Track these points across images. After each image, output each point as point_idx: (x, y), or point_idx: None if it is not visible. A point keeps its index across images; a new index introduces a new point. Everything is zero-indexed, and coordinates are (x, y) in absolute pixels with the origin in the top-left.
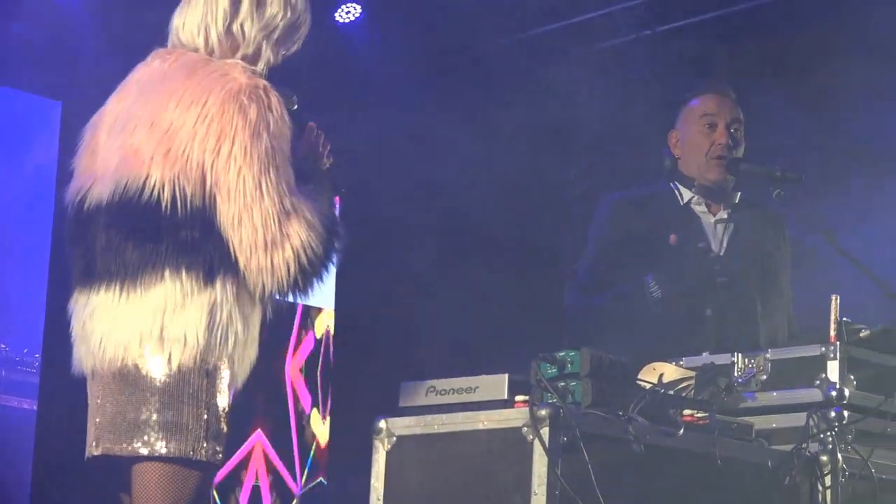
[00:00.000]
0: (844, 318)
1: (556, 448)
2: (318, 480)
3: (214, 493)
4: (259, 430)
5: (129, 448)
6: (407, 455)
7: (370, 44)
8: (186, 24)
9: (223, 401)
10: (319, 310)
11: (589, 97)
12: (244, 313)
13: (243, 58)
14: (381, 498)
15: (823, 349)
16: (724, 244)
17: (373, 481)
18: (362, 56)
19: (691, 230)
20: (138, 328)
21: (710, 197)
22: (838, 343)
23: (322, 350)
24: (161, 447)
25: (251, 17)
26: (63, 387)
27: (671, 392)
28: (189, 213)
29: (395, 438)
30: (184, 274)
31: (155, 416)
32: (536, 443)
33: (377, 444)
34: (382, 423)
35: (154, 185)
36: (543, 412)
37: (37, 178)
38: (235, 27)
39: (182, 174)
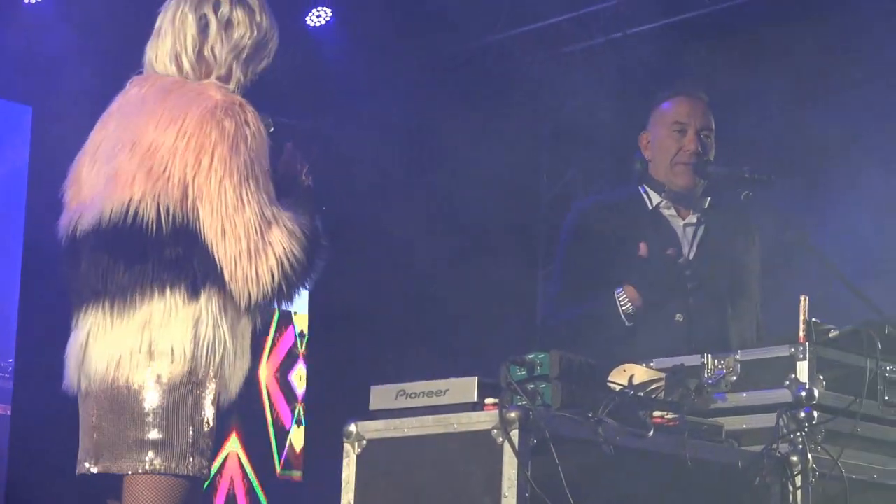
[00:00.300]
0: (814, 319)
1: (526, 450)
2: (293, 480)
3: None
4: (234, 433)
5: (128, 466)
6: (377, 458)
7: (341, 47)
8: (159, 56)
9: (209, 415)
10: (293, 313)
11: (559, 100)
12: (231, 326)
13: (217, 79)
14: (353, 501)
15: (793, 350)
16: (694, 248)
17: (343, 485)
18: (333, 59)
19: (660, 235)
20: (127, 346)
21: (679, 202)
22: (807, 344)
23: (296, 353)
24: (153, 463)
25: (220, 40)
26: (37, 392)
27: (641, 394)
28: (172, 229)
29: (365, 442)
30: (168, 290)
31: (150, 435)
32: (506, 445)
33: (347, 447)
34: (353, 427)
35: (138, 206)
36: (513, 415)
37: (8, 182)
38: (206, 52)
39: (164, 192)
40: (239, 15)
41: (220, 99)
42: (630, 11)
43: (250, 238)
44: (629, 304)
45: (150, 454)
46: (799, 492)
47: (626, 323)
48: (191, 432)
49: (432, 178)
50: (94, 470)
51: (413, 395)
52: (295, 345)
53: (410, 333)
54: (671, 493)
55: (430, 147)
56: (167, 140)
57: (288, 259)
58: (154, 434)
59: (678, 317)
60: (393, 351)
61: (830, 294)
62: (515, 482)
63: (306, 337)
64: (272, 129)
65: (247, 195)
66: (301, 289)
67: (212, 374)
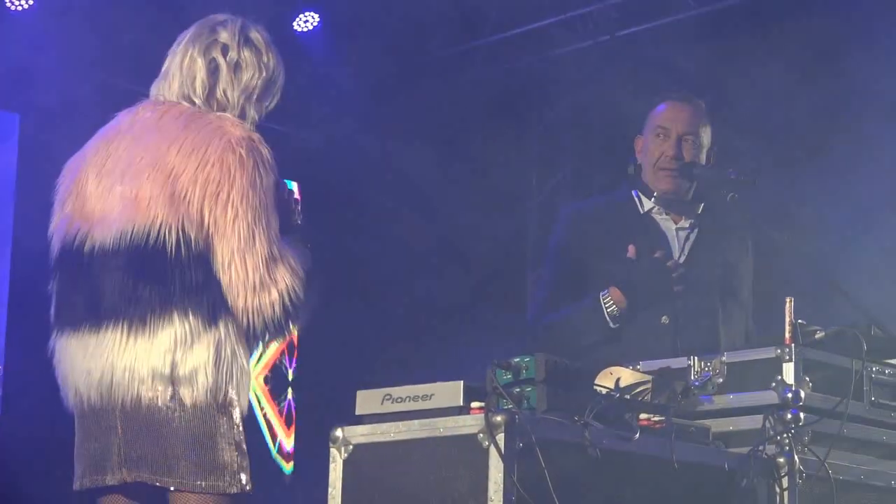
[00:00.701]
0: (800, 320)
1: (512, 454)
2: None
3: None
4: None
5: (169, 481)
6: (364, 463)
7: (328, 52)
8: (165, 97)
9: (241, 433)
10: None
11: (547, 103)
12: (245, 350)
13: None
14: None
15: (779, 351)
16: (686, 252)
17: (330, 490)
18: (320, 64)
19: (650, 238)
20: (149, 366)
21: (670, 206)
22: (794, 345)
23: (285, 359)
24: (197, 484)
25: (231, 83)
26: (25, 398)
27: (627, 396)
28: (193, 255)
29: (351, 447)
30: (190, 315)
31: (187, 454)
32: (492, 449)
33: (334, 452)
34: (339, 432)
35: (160, 229)
36: (499, 418)
37: None
38: (219, 94)
39: (185, 218)
40: (247, 56)
41: (240, 135)
42: (618, 14)
43: (258, 271)
44: (614, 306)
45: (189, 473)
46: (786, 493)
47: (611, 325)
48: (236, 452)
49: (420, 181)
50: (129, 479)
51: (399, 400)
52: (284, 349)
53: (398, 337)
54: (658, 496)
55: (418, 150)
56: (189, 168)
57: (289, 295)
58: (193, 455)
59: (664, 319)
60: (380, 355)
61: (817, 295)
62: (502, 486)
63: (295, 342)
64: None
65: (258, 232)
66: (297, 323)
67: (233, 394)
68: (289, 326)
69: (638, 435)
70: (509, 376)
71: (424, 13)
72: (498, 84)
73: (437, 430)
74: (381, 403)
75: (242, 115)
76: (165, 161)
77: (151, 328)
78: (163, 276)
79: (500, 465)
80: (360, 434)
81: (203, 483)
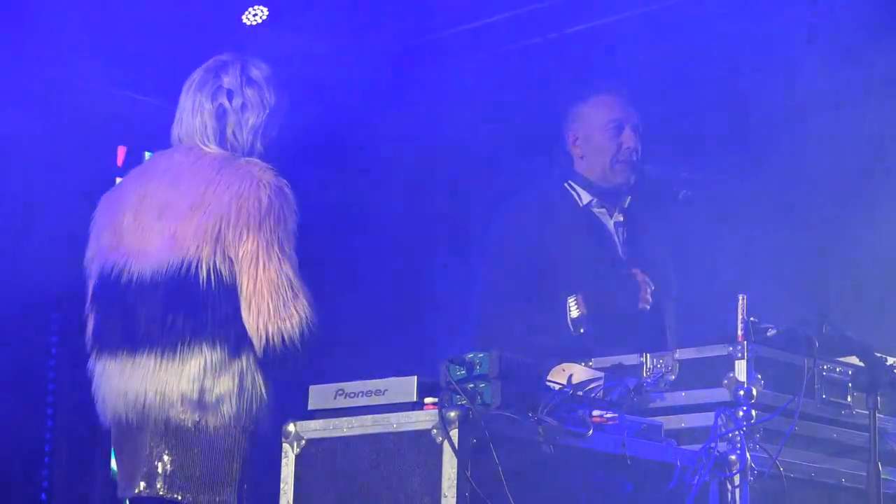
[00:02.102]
0: (752, 318)
1: (466, 450)
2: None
3: None
4: None
5: (207, 499)
6: (316, 458)
7: (277, 46)
8: (184, 139)
9: (250, 454)
10: None
11: (495, 99)
12: (262, 379)
13: (242, 154)
14: (291, 501)
15: (731, 349)
16: (622, 247)
17: (282, 485)
18: (269, 58)
19: (594, 235)
20: (179, 391)
21: (607, 200)
22: (746, 343)
23: None
24: (214, 499)
25: (238, 124)
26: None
27: (580, 393)
28: (223, 289)
29: (304, 442)
30: (218, 346)
31: (207, 472)
32: (446, 445)
33: (286, 447)
34: (291, 427)
35: (193, 265)
36: (453, 414)
37: None
38: (228, 135)
39: (216, 254)
40: (250, 96)
41: (268, 179)
42: (567, 11)
43: (279, 306)
44: (576, 307)
45: (215, 490)
46: (738, 490)
47: (573, 332)
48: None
49: (373, 177)
50: (168, 495)
51: (352, 395)
52: None
53: (350, 332)
54: (610, 492)
55: (370, 145)
56: (222, 208)
57: (307, 324)
58: (216, 473)
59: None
60: (332, 350)
61: (768, 292)
62: (455, 481)
63: None
64: None
65: (282, 270)
66: (313, 350)
67: (252, 421)
68: (304, 354)
69: (591, 431)
70: (463, 372)
71: (375, 5)
72: (447, 77)
73: (391, 426)
74: (334, 398)
75: (251, 151)
76: (201, 201)
77: (181, 356)
78: (195, 309)
79: (454, 461)
80: (312, 429)
81: (218, 499)
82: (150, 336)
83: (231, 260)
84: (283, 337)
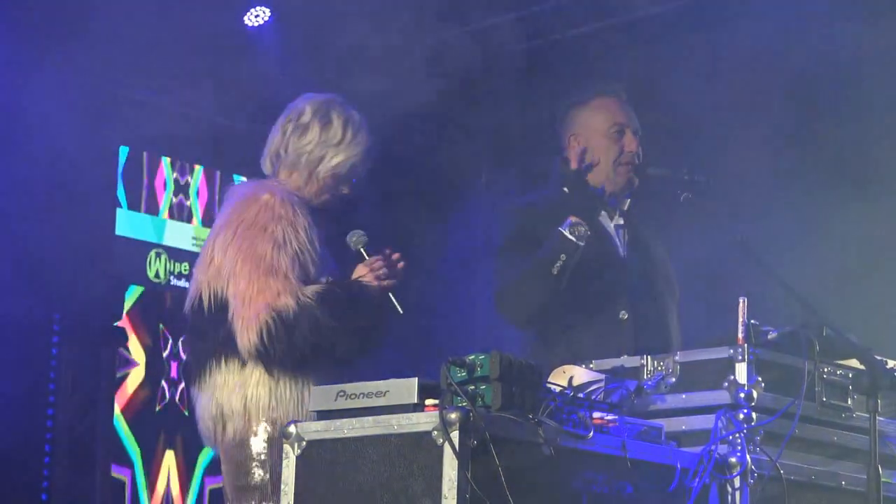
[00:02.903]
0: (752, 321)
1: (467, 451)
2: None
3: None
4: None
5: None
6: (317, 459)
7: (279, 47)
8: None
9: (270, 456)
10: None
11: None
12: (268, 386)
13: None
14: (292, 502)
15: (732, 351)
16: (625, 249)
17: (283, 486)
18: (271, 59)
19: (597, 237)
20: (205, 409)
21: (608, 203)
22: (746, 345)
23: None
24: None
25: (285, 144)
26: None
27: (581, 395)
28: (224, 311)
29: (305, 443)
30: (224, 362)
31: (230, 480)
32: (446, 446)
33: (287, 448)
34: (292, 428)
35: (200, 291)
36: (453, 416)
37: None
38: (281, 152)
39: (214, 279)
40: (312, 125)
41: (254, 193)
42: (569, 13)
43: (243, 313)
44: (574, 237)
45: (236, 495)
46: (738, 493)
47: (578, 244)
48: (266, 475)
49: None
50: None
51: (353, 396)
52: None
53: None
54: (611, 494)
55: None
56: (215, 232)
57: (266, 324)
58: (237, 479)
59: (622, 314)
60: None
61: (768, 295)
62: (456, 483)
63: None
64: (362, 245)
65: (262, 285)
66: (285, 352)
67: (264, 427)
68: (288, 346)
69: (591, 433)
70: (464, 374)
71: (376, 7)
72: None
73: (392, 427)
74: (335, 400)
75: (295, 166)
76: (212, 232)
77: (203, 377)
78: (204, 333)
79: (455, 463)
80: (313, 430)
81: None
82: (192, 364)
83: (225, 284)
84: (255, 347)
